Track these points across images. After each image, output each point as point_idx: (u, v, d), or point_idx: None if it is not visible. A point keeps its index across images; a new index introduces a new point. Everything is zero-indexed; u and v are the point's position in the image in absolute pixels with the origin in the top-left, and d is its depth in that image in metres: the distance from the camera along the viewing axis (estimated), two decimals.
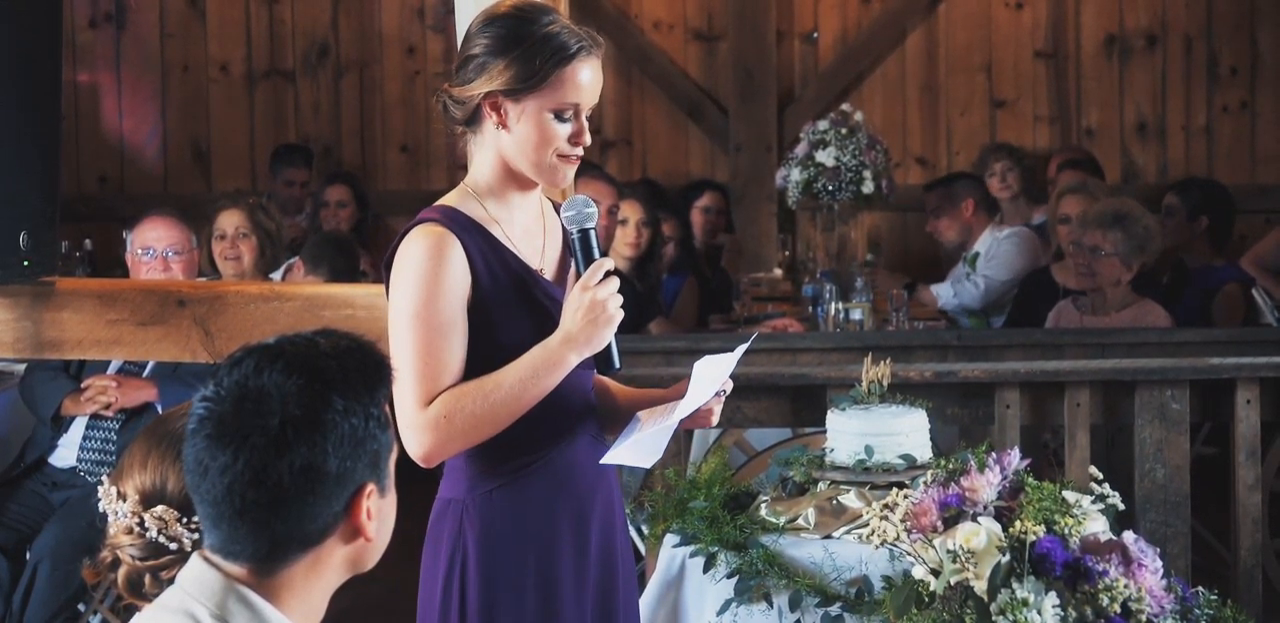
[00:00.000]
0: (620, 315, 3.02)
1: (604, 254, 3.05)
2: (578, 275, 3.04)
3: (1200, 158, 9.39)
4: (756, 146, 9.25)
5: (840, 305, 6.86)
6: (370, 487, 2.11)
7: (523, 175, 3.09)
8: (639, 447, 3.06)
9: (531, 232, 3.15)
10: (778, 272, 8.68)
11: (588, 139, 3.09)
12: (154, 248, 5.73)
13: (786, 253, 8.88)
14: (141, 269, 5.74)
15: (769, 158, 9.12)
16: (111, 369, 5.57)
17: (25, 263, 4.24)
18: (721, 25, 9.51)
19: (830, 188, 7.61)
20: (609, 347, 3.05)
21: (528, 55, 3.02)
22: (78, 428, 5.53)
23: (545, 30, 3.03)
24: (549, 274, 3.14)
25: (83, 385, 5.48)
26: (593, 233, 3.06)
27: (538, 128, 3.04)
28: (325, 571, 2.13)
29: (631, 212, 6.83)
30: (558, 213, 3.16)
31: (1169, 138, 9.41)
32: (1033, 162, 9.15)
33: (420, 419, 2.97)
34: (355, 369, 2.11)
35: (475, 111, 3.08)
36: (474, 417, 2.96)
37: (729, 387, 3.13)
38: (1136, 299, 6.17)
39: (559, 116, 3.05)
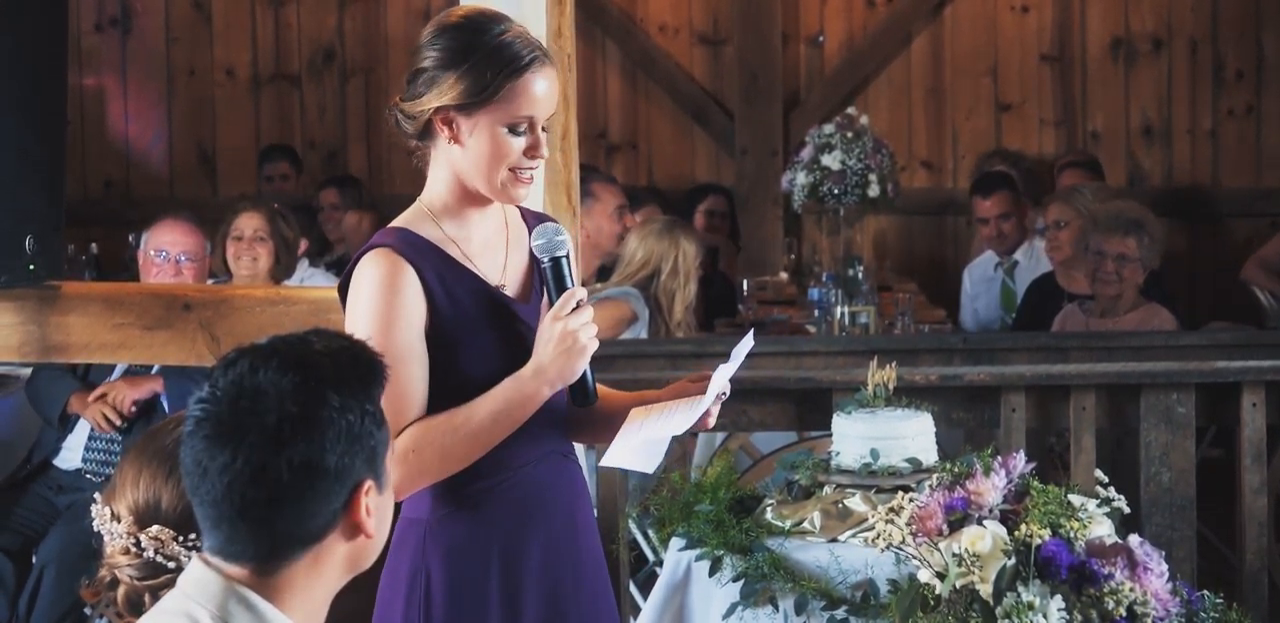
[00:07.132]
0: (594, 346, 2.94)
1: (577, 283, 2.97)
2: (550, 306, 2.95)
3: (1205, 162, 9.38)
4: (762, 150, 9.24)
5: (845, 309, 6.85)
6: (369, 483, 2.12)
7: (478, 191, 3.00)
8: (642, 451, 3.00)
9: (491, 246, 3.05)
10: (783, 275, 8.68)
11: (544, 152, 3.00)
12: (168, 251, 5.66)
13: (792, 257, 8.88)
14: (152, 270, 5.67)
15: (774, 162, 9.12)
16: (117, 372, 5.56)
17: (31, 267, 4.24)
18: (727, 29, 9.50)
19: (836, 192, 7.61)
20: (584, 378, 2.98)
21: (479, 68, 2.94)
22: (82, 429, 5.52)
23: (496, 41, 2.95)
24: (511, 291, 3.05)
25: (90, 399, 5.45)
26: (564, 261, 2.96)
27: (491, 142, 2.95)
28: (326, 569, 2.13)
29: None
30: (524, 221, 3.09)
31: (1174, 141, 9.40)
32: (1037, 165, 9.15)
33: None
34: (349, 367, 2.13)
35: (427, 126, 3.00)
36: (443, 450, 2.89)
37: (727, 390, 3.05)
38: (1143, 302, 6.16)
39: (513, 130, 2.96)
